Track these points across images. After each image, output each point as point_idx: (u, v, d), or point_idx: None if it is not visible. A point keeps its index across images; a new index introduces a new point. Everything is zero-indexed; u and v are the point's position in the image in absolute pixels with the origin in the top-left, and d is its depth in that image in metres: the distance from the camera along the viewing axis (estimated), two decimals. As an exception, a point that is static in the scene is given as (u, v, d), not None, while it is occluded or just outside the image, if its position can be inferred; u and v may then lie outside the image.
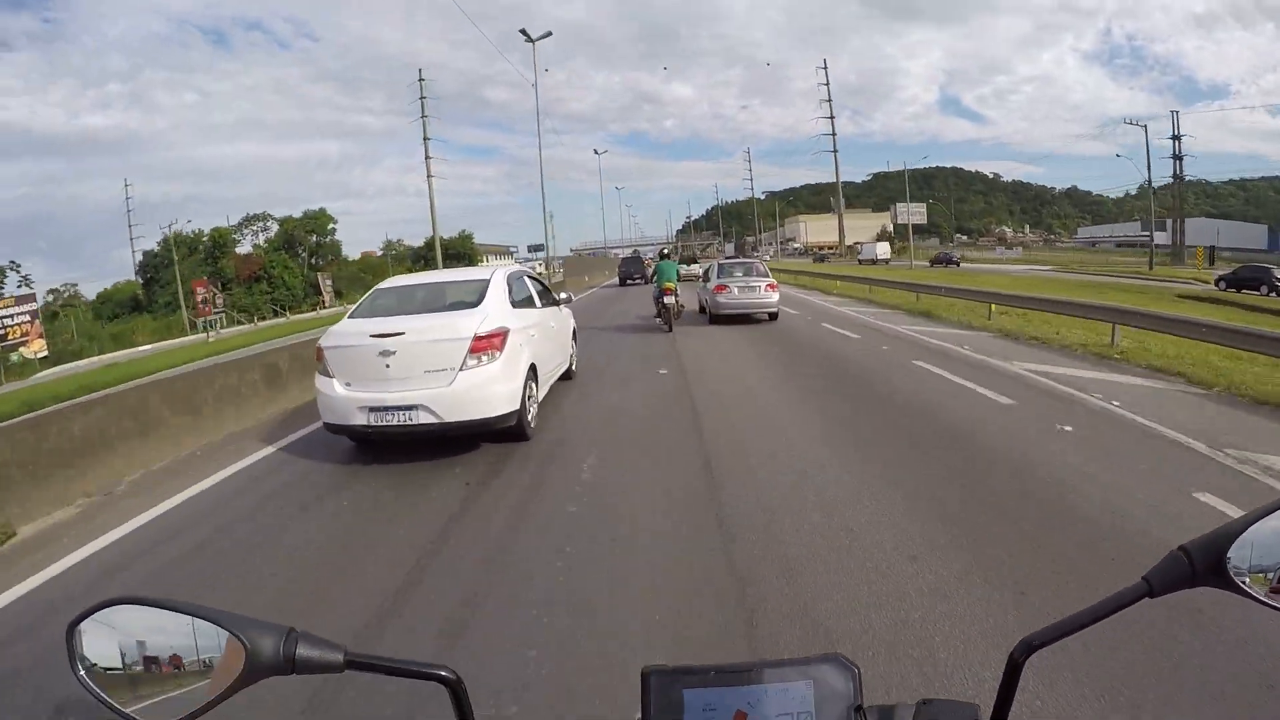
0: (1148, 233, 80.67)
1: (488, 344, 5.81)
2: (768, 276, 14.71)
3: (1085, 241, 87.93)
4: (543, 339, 7.16)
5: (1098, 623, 0.64)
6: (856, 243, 74.67)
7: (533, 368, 6.45)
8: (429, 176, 35.80)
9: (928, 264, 52.96)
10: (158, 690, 0.61)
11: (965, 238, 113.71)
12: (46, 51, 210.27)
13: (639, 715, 0.68)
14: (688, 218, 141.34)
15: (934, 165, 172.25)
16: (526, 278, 7.79)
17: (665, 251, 17.04)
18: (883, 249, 65.81)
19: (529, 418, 6.21)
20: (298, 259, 64.58)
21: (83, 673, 0.61)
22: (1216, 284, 31.43)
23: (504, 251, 74.24)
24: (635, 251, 26.80)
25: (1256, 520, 0.62)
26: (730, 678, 0.69)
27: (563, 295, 9.33)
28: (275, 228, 66.67)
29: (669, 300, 13.64)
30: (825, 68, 48.22)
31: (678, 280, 14.15)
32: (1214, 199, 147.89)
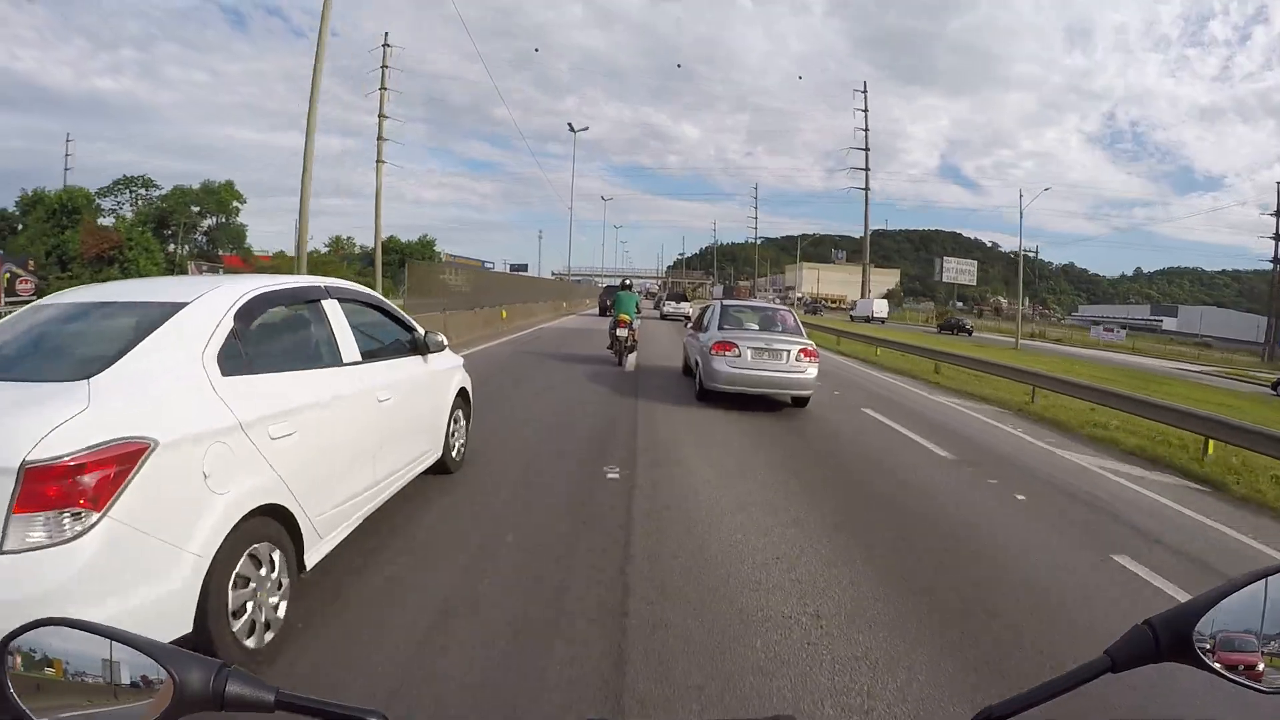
0: (1158, 317, 77.63)
1: (64, 490, 2.17)
2: (801, 336, 9.27)
3: (1085, 320, 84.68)
4: (341, 432, 3.55)
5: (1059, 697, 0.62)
6: (838, 297, 69.99)
7: (276, 515, 2.89)
8: (379, 161, 30.51)
9: (935, 329, 48.52)
10: (86, 716, 0.59)
11: (961, 304, 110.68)
12: (60, 6, 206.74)
13: None
14: (680, 255, 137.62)
15: (933, 228, 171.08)
16: (344, 305, 3.92)
17: (627, 282, 16.08)
18: (880, 307, 61.19)
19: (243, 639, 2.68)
20: (176, 240, 50.61)
21: (12, 692, 0.59)
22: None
23: (476, 265, 68.74)
24: (625, 281, 23.05)
25: (1221, 597, 0.61)
26: None
27: (439, 337, 4.93)
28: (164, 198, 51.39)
29: (621, 333, 13.56)
30: (864, 94, 41.61)
31: (636, 314, 14.04)
32: (1209, 288, 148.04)
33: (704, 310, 10.83)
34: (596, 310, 34.91)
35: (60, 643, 0.60)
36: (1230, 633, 0.62)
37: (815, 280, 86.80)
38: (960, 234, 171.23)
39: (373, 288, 7.64)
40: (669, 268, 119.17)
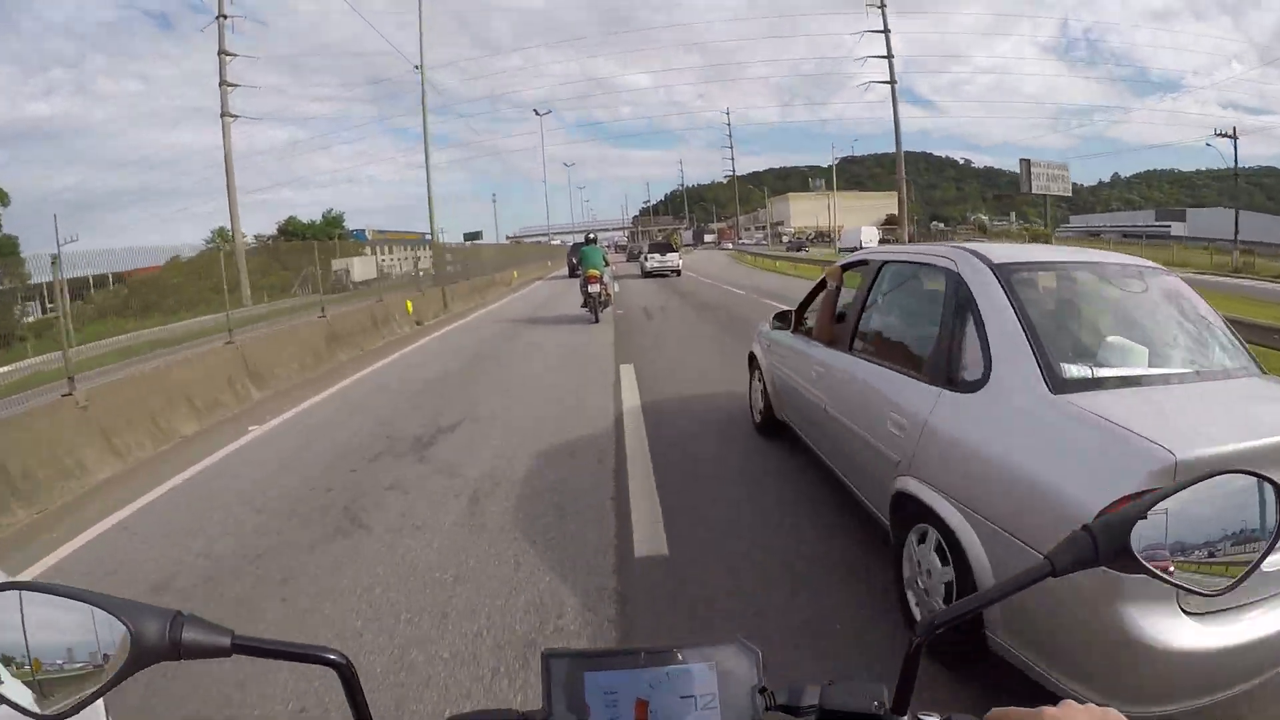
0: (1163, 223, 72.27)
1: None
2: None
3: (1079, 231, 79.19)
4: None
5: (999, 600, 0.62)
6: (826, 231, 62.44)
7: None
8: (223, 115, 23.16)
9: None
10: (44, 677, 0.59)
11: (943, 225, 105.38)
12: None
13: (541, 701, 0.68)
14: (645, 203, 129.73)
15: (904, 149, 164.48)
16: None
17: (590, 236, 16.21)
18: (870, 235, 54.12)
19: None
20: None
21: None
22: None
23: (418, 239, 60.23)
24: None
25: (1157, 501, 0.63)
26: (630, 660, 0.67)
27: None
28: None
29: (594, 289, 13.47)
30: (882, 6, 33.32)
31: (604, 267, 14.10)
32: (1188, 188, 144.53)
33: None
34: (565, 272, 29.90)
35: (10, 606, 0.59)
36: (1164, 537, 0.63)
37: (800, 213, 79.09)
38: (930, 154, 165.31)
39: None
40: (635, 216, 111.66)
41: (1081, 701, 0.58)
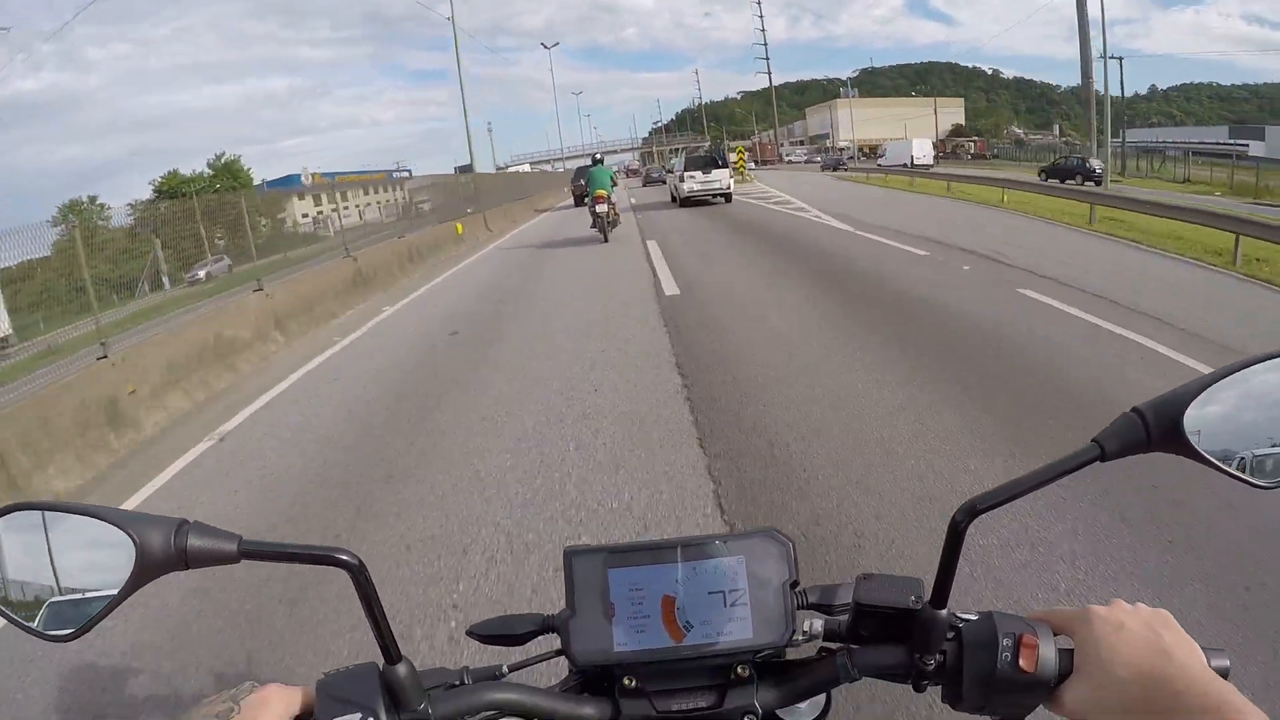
0: (1240, 141, 63.58)
1: None
2: None
3: (1137, 147, 70.22)
4: None
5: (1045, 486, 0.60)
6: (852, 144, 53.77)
7: None
8: None
9: (1040, 177, 35.62)
10: (54, 598, 0.60)
11: (979, 138, 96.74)
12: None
13: (565, 599, 0.66)
14: (655, 122, 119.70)
15: (928, 60, 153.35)
16: None
17: (598, 157, 15.74)
18: (922, 149, 46.97)
19: None
20: None
21: None
22: None
23: (382, 177, 51.93)
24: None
25: (1212, 383, 0.60)
26: (656, 555, 0.66)
27: None
28: None
29: (601, 209, 13.45)
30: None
31: (611, 188, 13.98)
32: (1229, 103, 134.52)
33: None
34: (572, 202, 25.56)
35: (15, 526, 0.60)
36: (1219, 421, 0.60)
37: (849, 123, 69.09)
38: (957, 64, 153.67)
39: None
40: (645, 137, 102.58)
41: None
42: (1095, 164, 31.46)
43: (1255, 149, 58.20)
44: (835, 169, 44.80)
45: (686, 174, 19.94)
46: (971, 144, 59.38)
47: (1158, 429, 0.59)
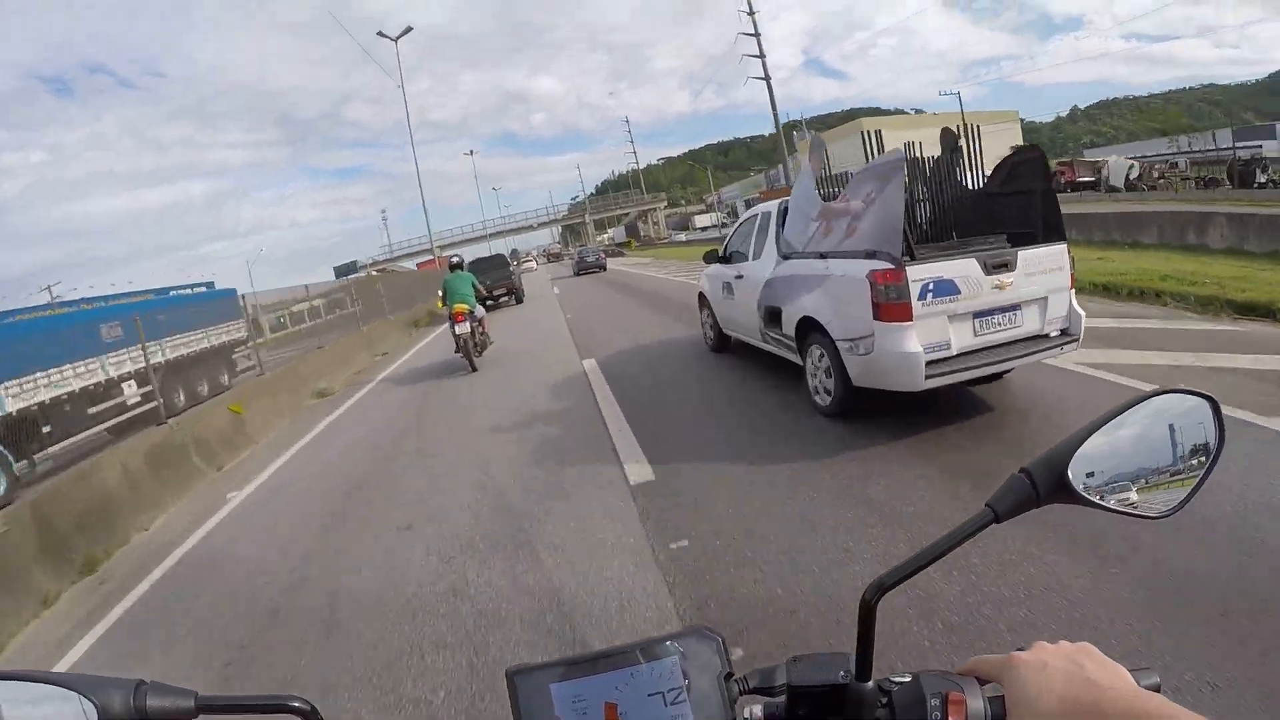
0: (1254, 142, 54.66)
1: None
2: None
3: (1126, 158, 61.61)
4: None
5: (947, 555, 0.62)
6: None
7: None
8: None
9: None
10: None
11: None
12: None
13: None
14: (574, 198, 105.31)
15: (847, 109, 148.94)
16: None
17: (454, 260, 11.54)
18: (1118, 168, 30.06)
19: None
20: None
21: None
22: None
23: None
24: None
25: (1091, 433, 0.62)
26: (592, 666, 0.67)
27: None
28: None
29: (461, 329, 9.87)
30: None
31: (474, 302, 10.17)
32: (1147, 114, 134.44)
33: None
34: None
35: None
36: (1101, 468, 0.62)
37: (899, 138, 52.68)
38: (880, 108, 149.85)
39: None
40: (570, 208, 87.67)
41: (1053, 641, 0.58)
42: None
43: (1269, 148, 48.88)
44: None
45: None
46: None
47: (1044, 485, 0.61)
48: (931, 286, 3.98)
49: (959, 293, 4.04)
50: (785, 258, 5.48)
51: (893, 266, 3.97)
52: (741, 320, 6.62)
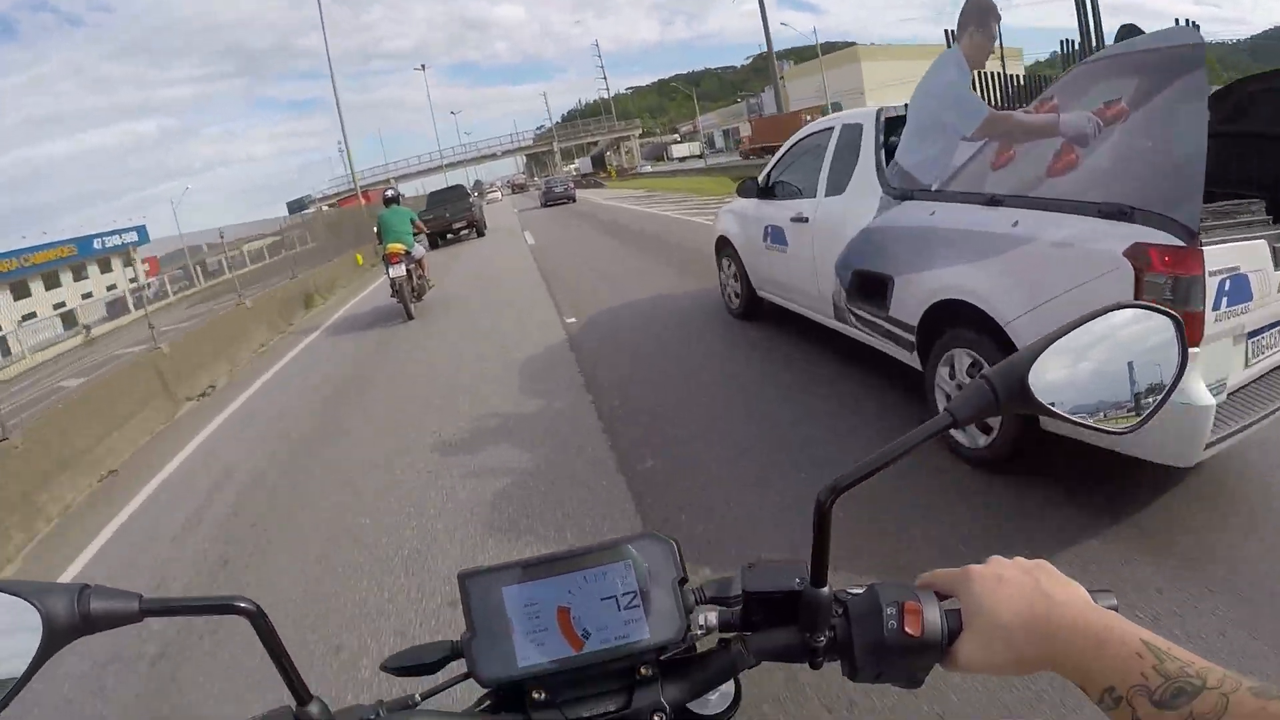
0: None
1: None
2: None
3: None
4: None
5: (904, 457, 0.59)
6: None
7: None
8: None
9: None
10: None
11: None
12: None
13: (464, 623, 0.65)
14: (539, 127, 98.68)
15: (824, 40, 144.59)
16: None
17: (390, 194, 10.03)
18: None
19: None
20: None
21: None
22: None
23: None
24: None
25: (1052, 342, 0.60)
26: (546, 569, 0.65)
27: None
28: None
29: (396, 271, 8.75)
30: None
31: (412, 240, 9.10)
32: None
33: None
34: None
35: None
36: (1058, 377, 0.59)
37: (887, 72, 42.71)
38: (855, 42, 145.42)
39: None
40: (536, 137, 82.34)
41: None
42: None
43: None
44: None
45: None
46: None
47: (1005, 390, 0.59)
48: (1228, 286, 2.30)
49: (1250, 298, 2.39)
50: (900, 198, 3.63)
51: (1182, 244, 2.23)
52: (797, 284, 4.83)
